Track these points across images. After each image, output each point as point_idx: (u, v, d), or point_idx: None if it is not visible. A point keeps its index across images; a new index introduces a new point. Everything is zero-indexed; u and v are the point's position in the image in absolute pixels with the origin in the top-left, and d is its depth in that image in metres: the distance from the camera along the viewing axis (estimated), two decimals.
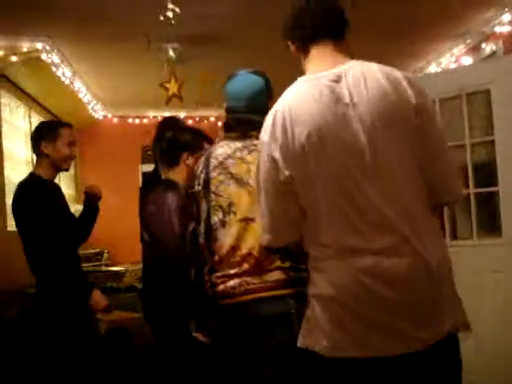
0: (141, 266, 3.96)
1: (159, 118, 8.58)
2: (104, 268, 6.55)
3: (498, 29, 5.57)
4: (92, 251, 7.44)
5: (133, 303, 5.03)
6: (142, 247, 3.67)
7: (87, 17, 5.25)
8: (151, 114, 8.87)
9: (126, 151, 8.70)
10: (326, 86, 2.23)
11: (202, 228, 2.85)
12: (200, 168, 2.95)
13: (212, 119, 9.20)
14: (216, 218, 2.79)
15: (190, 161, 3.49)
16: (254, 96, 3.13)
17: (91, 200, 4.25)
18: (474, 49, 6.08)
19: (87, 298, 3.94)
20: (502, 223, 5.02)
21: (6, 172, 6.07)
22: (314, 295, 2.25)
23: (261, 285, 2.67)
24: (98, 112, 8.65)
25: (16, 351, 4.62)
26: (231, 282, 2.71)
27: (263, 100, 3.07)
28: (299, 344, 2.27)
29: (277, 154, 2.19)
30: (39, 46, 5.84)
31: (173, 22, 5.03)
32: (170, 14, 4.95)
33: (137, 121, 8.98)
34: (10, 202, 6.03)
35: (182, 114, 8.33)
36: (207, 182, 2.92)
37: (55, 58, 6.15)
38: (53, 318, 3.86)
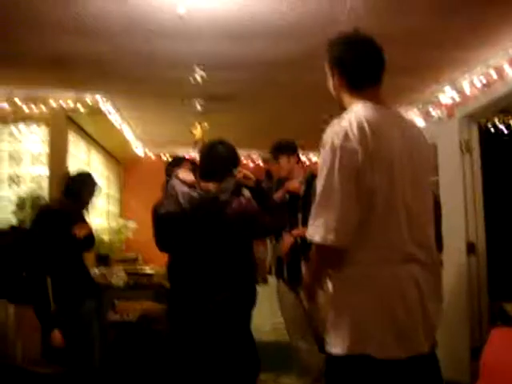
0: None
1: (186, 156, 8.68)
2: (139, 269, 6.52)
3: (442, 99, 5.62)
4: (129, 256, 7.44)
5: (160, 297, 5.00)
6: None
7: (135, 78, 5.31)
8: (179, 152, 8.88)
9: (159, 181, 8.66)
10: (386, 112, 2.13)
11: None
12: None
13: None
14: None
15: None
16: None
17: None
18: (425, 113, 6.13)
19: None
20: (443, 244, 5.05)
21: None
22: (360, 300, 1.98)
23: None
24: (140, 149, 8.67)
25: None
26: None
27: None
28: (343, 351, 1.98)
29: (365, 160, 1.93)
30: (98, 98, 5.89)
31: (200, 83, 5.09)
32: (198, 78, 5.01)
33: (168, 157, 9.00)
34: None
35: None
36: None
37: (110, 108, 6.20)
38: None
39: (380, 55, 2.20)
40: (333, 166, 1.94)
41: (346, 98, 2.19)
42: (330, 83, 2.25)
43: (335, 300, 2.06)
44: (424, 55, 4.66)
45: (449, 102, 5.52)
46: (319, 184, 2.00)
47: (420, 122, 6.22)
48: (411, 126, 2.26)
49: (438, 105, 5.77)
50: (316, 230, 1.97)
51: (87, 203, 4.21)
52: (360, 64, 2.16)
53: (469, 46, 4.49)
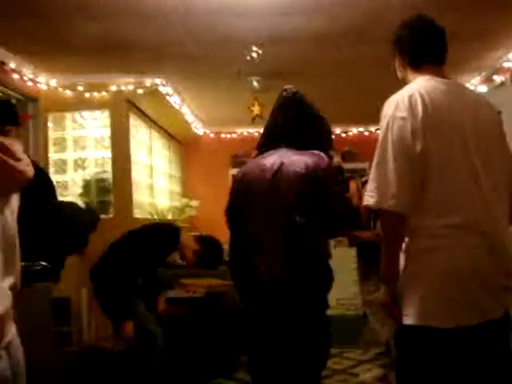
0: None
1: (245, 134, 8.72)
2: None
3: (506, 64, 5.44)
4: (195, 233, 7.52)
5: (226, 273, 5.05)
6: None
7: (190, 59, 5.35)
8: (239, 130, 8.92)
9: (219, 159, 8.78)
10: (445, 83, 2.15)
11: None
12: None
13: None
14: None
15: None
16: None
17: None
18: (488, 80, 5.95)
19: None
20: None
21: (133, 174, 6.22)
22: (431, 270, 1.99)
23: None
24: (199, 129, 8.74)
25: None
26: None
27: None
28: (413, 322, 2.00)
29: (416, 127, 1.98)
30: (157, 81, 5.98)
31: (256, 60, 5.09)
32: (254, 55, 5.01)
33: (228, 136, 9.05)
34: (136, 196, 6.23)
35: (261, 130, 8.36)
36: None
37: (169, 90, 6.27)
38: None
39: (441, 36, 2.26)
40: (386, 134, 2.03)
41: (410, 76, 2.24)
42: (396, 64, 2.32)
43: (405, 270, 2.07)
44: (485, 20, 4.52)
45: None
46: (376, 152, 2.07)
47: (483, 89, 6.05)
48: (475, 95, 2.27)
49: (501, 70, 5.58)
50: (371, 196, 2.02)
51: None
52: (418, 44, 2.22)
53: None
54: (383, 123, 2.05)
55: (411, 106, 2.01)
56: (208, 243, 4.07)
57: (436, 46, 2.24)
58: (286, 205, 2.68)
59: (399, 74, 2.32)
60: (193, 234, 4.43)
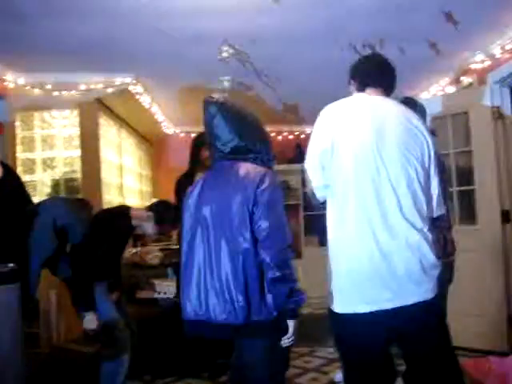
0: None
1: None
2: (173, 247, 6.57)
3: (473, 66, 5.54)
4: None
5: None
6: None
7: (161, 58, 5.34)
8: None
9: (189, 157, 8.75)
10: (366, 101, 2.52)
11: None
12: None
13: None
14: None
15: None
16: None
17: None
18: (456, 81, 6.06)
19: None
20: (476, 214, 5.02)
21: (103, 173, 6.18)
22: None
23: None
24: (170, 129, 8.73)
25: None
26: None
27: None
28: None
29: (323, 140, 2.43)
30: (127, 80, 5.94)
31: (227, 60, 5.11)
32: (225, 54, 5.03)
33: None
34: (106, 196, 6.19)
35: None
36: None
37: (139, 89, 6.24)
38: None
39: (387, 71, 2.64)
40: (311, 143, 2.48)
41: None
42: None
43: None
44: (453, 22, 4.59)
45: (480, 67, 5.43)
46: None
47: (451, 90, 6.15)
48: (397, 111, 2.48)
49: (469, 71, 5.68)
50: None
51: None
52: (364, 74, 2.62)
53: (500, 10, 4.41)
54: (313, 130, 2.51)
55: (327, 122, 2.43)
56: (157, 205, 4.13)
57: (385, 78, 2.62)
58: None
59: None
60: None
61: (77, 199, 5.18)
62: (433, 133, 3.67)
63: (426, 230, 2.31)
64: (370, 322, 2.28)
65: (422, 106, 3.79)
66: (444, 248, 3.68)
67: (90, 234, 3.87)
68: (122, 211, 4.05)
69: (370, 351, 2.36)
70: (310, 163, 2.46)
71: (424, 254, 2.27)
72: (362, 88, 2.58)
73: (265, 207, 2.43)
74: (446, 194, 3.52)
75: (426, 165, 2.39)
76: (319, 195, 2.46)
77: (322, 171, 2.40)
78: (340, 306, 2.36)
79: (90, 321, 3.62)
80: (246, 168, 2.58)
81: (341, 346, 2.48)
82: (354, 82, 2.64)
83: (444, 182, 3.39)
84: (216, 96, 2.90)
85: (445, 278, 3.26)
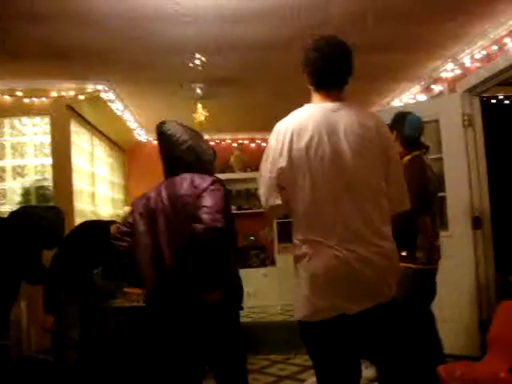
0: None
1: None
2: None
3: (443, 74, 5.62)
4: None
5: None
6: None
7: (135, 65, 5.32)
8: None
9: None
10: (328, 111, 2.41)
11: None
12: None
13: (228, 141, 9.23)
14: None
15: None
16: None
17: None
18: (427, 89, 6.14)
19: None
20: (448, 220, 5.09)
21: (74, 181, 6.11)
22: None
23: None
24: (142, 136, 8.70)
25: None
26: None
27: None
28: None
29: (284, 157, 2.37)
30: (99, 87, 5.91)
31: (199, 67, 5.11)
32: (198, 62, 5.03)
33: None
34: (77, 204, 6.13)
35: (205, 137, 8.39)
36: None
37: (111, 96, 6.21)
38: None
39: (346, 62, 2.45)
40: (265, 159, 2.43)
41: (311, 96, 2.53)
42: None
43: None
44: (423, 30, 4.67)
45: (450, 76, 5.52)
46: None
47: (422, 98, 6.23)
48: (360, 121, 2.41)
49: (440, 80, 5.77)
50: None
51: None
52: (320, 72, 2.45)
53: (469, 19, 4.49)
54: (267, 146, 2.46)
55: (281, 134, 2.37)
56: None
57: (338, 73, 2.45)
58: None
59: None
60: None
61: (50, 207, 5.14)
62: None
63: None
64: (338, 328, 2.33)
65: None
66: (431, 254, 3.73)
67: (70, 240, 3.93)
68: (105, 226, 4.08)
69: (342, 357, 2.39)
70: (267, 183, 2.41)
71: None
72: (316, 88, 2.49)
73: None
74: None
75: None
76: (275, 213, 2.57)
77: (279, 192, 2.40)
78: (308, 314, 2.37)
79: (46, 321, 3.86)
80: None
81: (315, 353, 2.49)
82: (308, 78, 2.52)
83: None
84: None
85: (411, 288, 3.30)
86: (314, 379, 4.58)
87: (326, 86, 2.45)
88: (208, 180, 2.82)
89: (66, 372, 3.82)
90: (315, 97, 2.49)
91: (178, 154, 2.94)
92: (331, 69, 2.43)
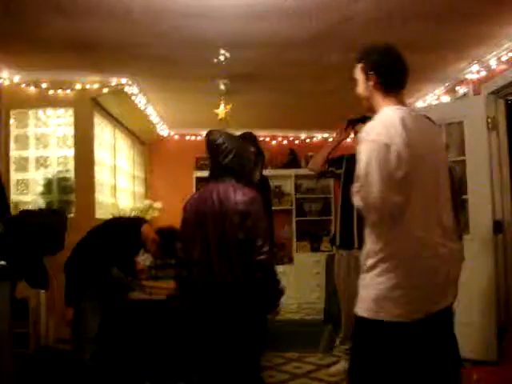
0: None
1: None
2: None
3: (468, 76, 5.57)
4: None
5: None
6: None
7: (159, 60, 5.34)
8: (204, 132, 8.89)
9: (183, 160, 8.78)
10: (413, 114, 2.47)
11: None
12: None
13: None
14: None
15: None
16: None
17: None
18: (451, 90, 6.09)
19: None
20: (469, 224, 5.04)
21: (96, 173, 6.17)
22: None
23: None
24: (164, 131, 8.72)
25: None
26: None
27: None
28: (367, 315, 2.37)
29: (399, 154, 2.25)
30: (123, 81, 5.95)
31: (224, 63, 5.12)
32: (222, 58, 5.03)
33: (192, 138, 9.04)
34: (98, 196, 6.19)
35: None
36: None
37: (134, 90, 6.25)
38: None
39: (406, 64, 2.53)
40: (369, 159, 2.26)
41: (379, 100, 2.49)
42: (361, 86, 2.54)
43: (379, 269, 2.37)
44: (449, 32, 4.63)
45: (475, 78, 5.47)
46: (360, 171, 2.31)
47: (446, 99, 6.18)
48: (431, 126, 2.62)
49: (465, 82, 5.72)
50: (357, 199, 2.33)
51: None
52: (395, 70, 2.49)
53: (495, 21, 4.44)
54: (365, 148, 2.30)
55: (394, 134, 2.26)
56: (165, 233, 4.18)
57: (405, 73, 2.51)
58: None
59: (365, 94, 2.53)
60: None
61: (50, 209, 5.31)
62: None
63: None
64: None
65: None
66: None
67: (96, 236, 3.98)
68: (135, 225, 4.15)
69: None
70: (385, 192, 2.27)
71: None
72: (386, 89, 2.48)
73: None
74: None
75: None
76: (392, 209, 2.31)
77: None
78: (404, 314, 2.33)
79: (67, 314, 3.85)
80: None
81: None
82: (377, 79, 2.48)
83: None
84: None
85: None
86: (337, 367, 4.64)
87: (399, 89, 2.50)
88: (250, 194, 3.06)
89: (85, 364, 3.83)
90: (385, 101, 2.48)
91: (224, 162, 3.16)
92: (405, 72, 2.52)
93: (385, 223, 2.29)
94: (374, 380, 2.34)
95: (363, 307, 2.36)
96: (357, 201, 2.33)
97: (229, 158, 3.15)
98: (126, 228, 4.13)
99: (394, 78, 2.48)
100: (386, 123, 2.32)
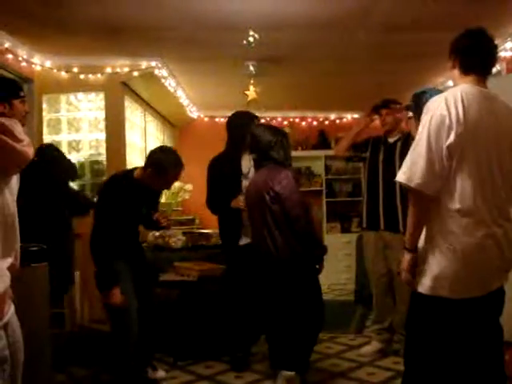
0: None
1: None
2: (196, 230, 6.61)
3: (502, 53, 5.47)
4: (186, 217, 7.54)
5: (218, 257, 5.07)
6: None
7: (188, 42, 5.36)
8: None
9: (213, 143, 8.75)
10: (483, 93, 2.50)
11: None
12: None
13: (279, 119, 9.21)
14: None
15: None
16: None
17: None
18: None
19: None
20: None
21: (128, 157, 6.23)
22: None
23: None
24: (194, 113, 8.75)
25: None
26: None
27: None
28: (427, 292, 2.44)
29: (452, 124, 2.31)
30: (153, 63, 5.98)
31: (253, 45, 5.10)
32: (251, 39, 5.02)
33: (222, 120, 9.03)
34: None
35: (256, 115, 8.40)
36: None
37: (164, 73, 6.27)
38: None
39: (494, 52, 2.62)
40: (425, 126, 2.37)
41: (456, 78, 2.60)
42: (450, 64, 2.63)
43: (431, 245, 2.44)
44: (484, 7, 4.55)
45: (509, 55, 5.36)
46: (415, 139, 2.42)
47: None
48: (504, 107, 2.60)
49: (499, 59, 5.59)
50: (404, 172, 2.39)
51: None
52: (473, 54, 2.55)
53: None
54: (426, 117, 2.39)
55: (452, 106, 2.34)
56: (153, 155, 4.15)
57: (487, 59, 2.59)
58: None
59: (452, 72, 2.63)
60: None
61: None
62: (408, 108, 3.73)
63: None
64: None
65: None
66: None
67: (101, 199, 3.89)
68: (125, 175, 3.99)
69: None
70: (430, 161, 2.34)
71: None
72: (464, 71, 2.56)
73: None
74: None
75: None
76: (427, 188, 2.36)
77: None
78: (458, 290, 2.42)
79: (115, 295, 3.63)
80: None
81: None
82: (455, 61, 2.58)
83: None
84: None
85: None
86: (368, 348, 4.66)
87: (478, 70, 2.54)
88: (283, 174, 3.87)
89: (127, 344, 3.75)
90: (460, 79, 2.56)
91: (266, 151, 3.99)
92: (483, 54, 2.57)
93: (425, 202, 2.38)
94: (428, 354, 2.43)
95: (423, 284, 2.43)
96: (400, 178, 2.40)
97: (271, 146, 4.01)
98: (117, 178, 3.97)
99: (472, 62, 2.54)
100: (448, 97, 2.39)
